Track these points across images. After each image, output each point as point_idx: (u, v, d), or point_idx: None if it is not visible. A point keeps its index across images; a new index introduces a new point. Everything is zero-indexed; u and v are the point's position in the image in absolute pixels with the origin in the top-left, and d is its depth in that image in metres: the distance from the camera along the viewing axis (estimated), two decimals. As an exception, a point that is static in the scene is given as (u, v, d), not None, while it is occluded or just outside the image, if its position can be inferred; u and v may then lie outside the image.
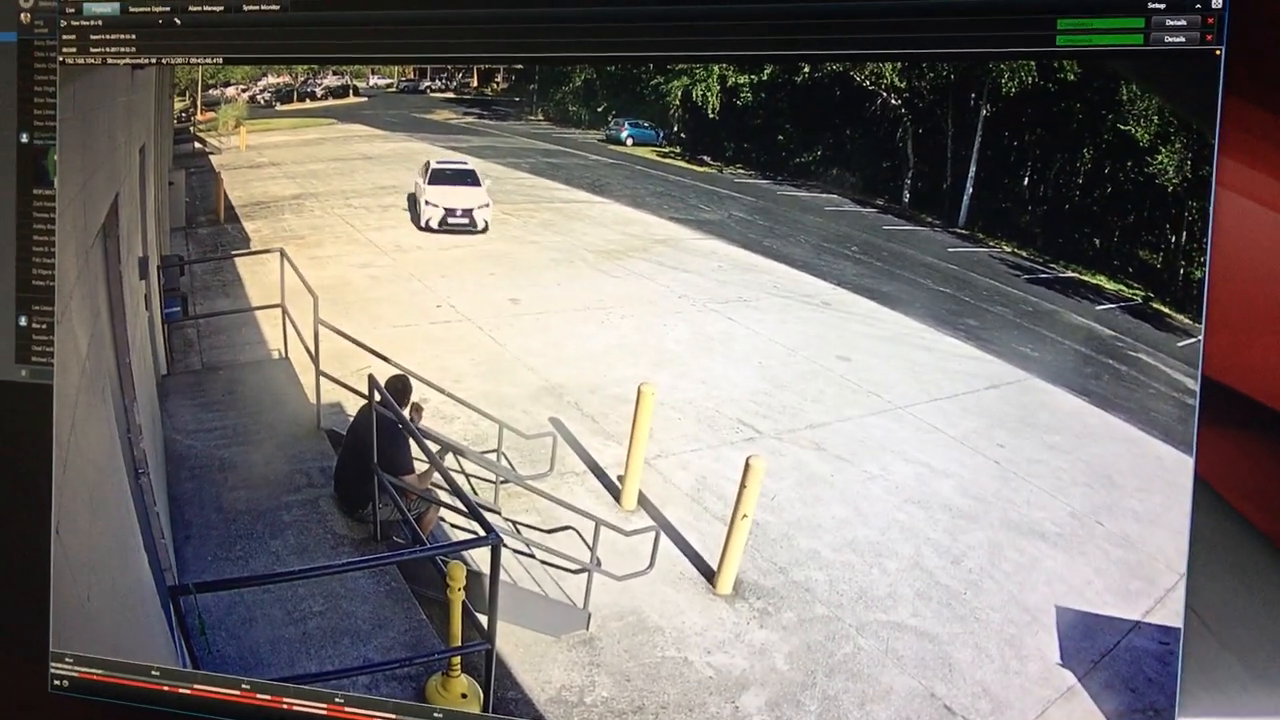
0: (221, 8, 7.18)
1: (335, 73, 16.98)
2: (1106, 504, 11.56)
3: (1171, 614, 9.27)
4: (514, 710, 8.62)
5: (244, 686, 7.41)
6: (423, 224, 14.13)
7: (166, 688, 7.45)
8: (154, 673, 7.42)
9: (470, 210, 14.24)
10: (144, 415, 9.15)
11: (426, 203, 14.31)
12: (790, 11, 6.20)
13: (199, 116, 15.65)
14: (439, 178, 14.60)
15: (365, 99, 17.01)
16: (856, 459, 12.10)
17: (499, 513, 11.18)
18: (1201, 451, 6.27)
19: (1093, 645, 9.88)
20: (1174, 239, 10.80)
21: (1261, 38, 5.70)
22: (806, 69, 12.90)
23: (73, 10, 7.44)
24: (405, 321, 13.35)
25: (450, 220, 14.18)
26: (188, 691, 7.43)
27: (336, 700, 7.35)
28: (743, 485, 10.30)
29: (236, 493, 9.98)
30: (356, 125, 16.59)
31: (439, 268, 14.23)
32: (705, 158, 15.68)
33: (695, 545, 11.01)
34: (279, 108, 16.50)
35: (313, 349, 11.36)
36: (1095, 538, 11.03)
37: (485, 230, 14.18)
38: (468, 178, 14.54)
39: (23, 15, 7.53)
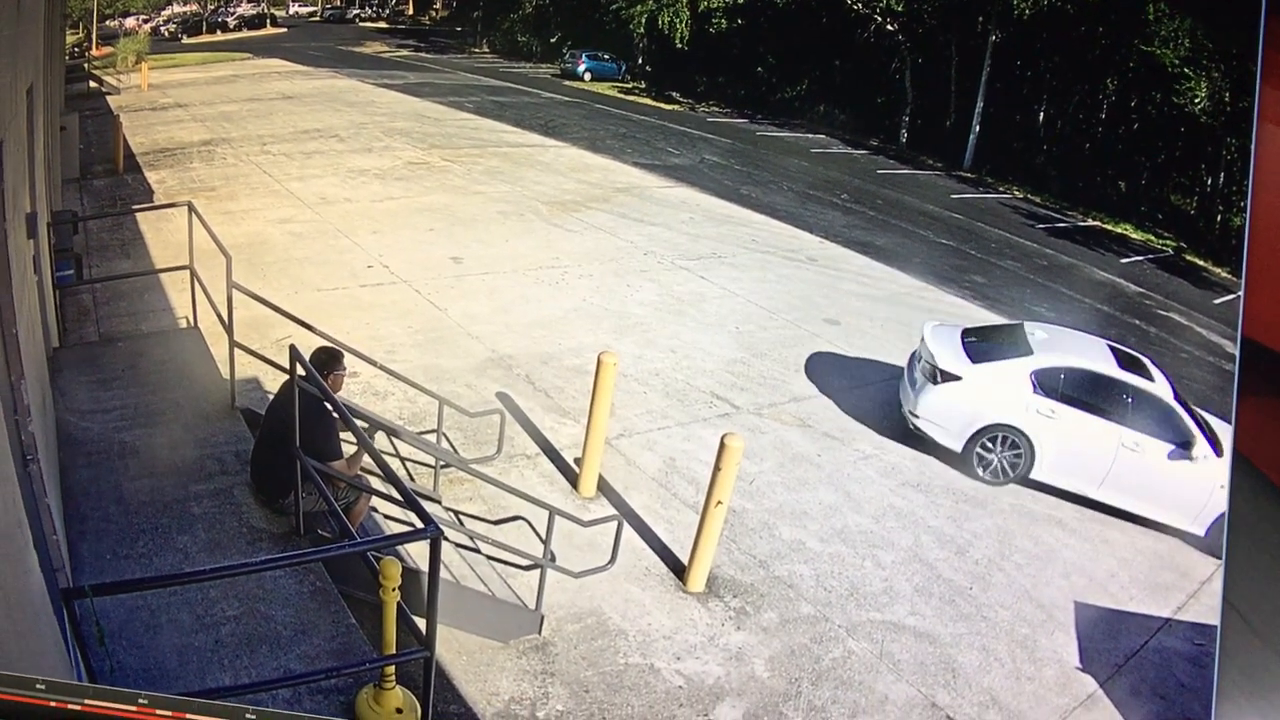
0: (113, -76, 7.08)
1: (250, 0, 16.97)
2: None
3: (1207, 610, 9.40)
4: (456, 727, 8.65)
5: (141, 701, 7.36)
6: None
7: (54, 703, 7.40)
8: (39, 686, 7.38)
9: None
10: (33, 394, 9.05)
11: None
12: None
13: (94, 52, 15.63)
14: None
15: (284, 30, 17.01)
16: (847, 437, 12.17)
17: (439, 501, 11.18)
18: (1241, 424, 6.23)
19: (1117, 646, 9.95)
20: (1209, 181, 10.86)
21: (1312, -52, 5.69)
22: (790, -10, 12.94)
23: (-59, -71, 7.34)
24: (332, 284, 13.34)
25: None
26: (78, 707, 7.38)
27: (248, 717, 7.34)
28: (717, 468, 10.23)
29: (139, 481, 9.90)
30: (275, 60, 16.55)
31: (370, 222, 14.21)
32: (674, 94, 15.71)
33: (663, 536, 11.05)
34: (186, 41, 16.49)
35: (226, 317, 11.27)
36: (1120, 524, 11.11)
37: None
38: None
39: (-117, -65, 7.43)
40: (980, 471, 11.48)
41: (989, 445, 11.41)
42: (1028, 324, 11.97)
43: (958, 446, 11.56)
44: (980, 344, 11.87)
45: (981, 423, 11.35)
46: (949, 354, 11.72)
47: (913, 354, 12.17)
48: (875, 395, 12.60)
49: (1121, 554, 10.57)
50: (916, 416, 11.85)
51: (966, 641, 9.98)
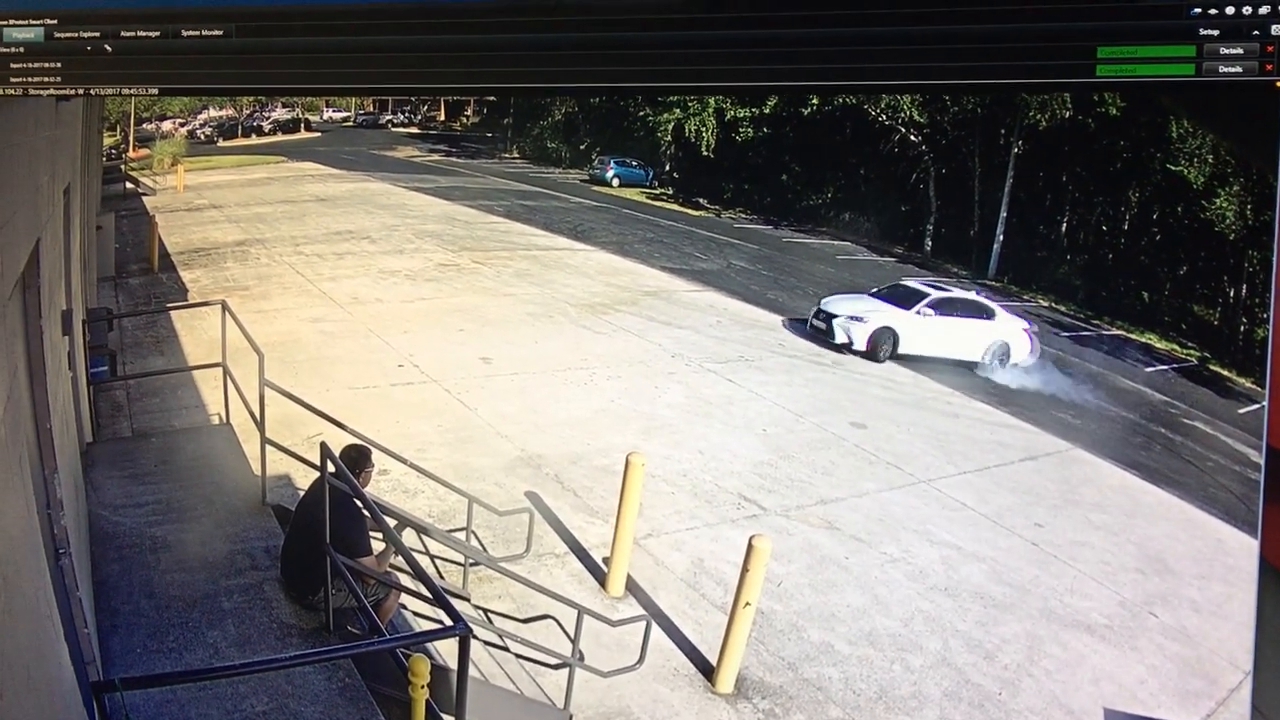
0: (158, 33, 7.01)
1: (285, 105, 17.07)
2: (1161, 592, 11.51)
3: (1236, 718, 9.23)
4: (484, 827, 8.50)
5: (172, 798, 7.24)
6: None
7: (83, 798, 7.27)
8: (69, 781, 7.25)
9: None
10: (66, 488, 9.00)
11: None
12: (799, 39, 6.09)
13: (131, 154, 15.72)
14: None
15: (318, 134, 17.11)
16: (874, 540, 12.06)
17: (468, 599, 11.10)
18: (1268, 532, 6.13)
19: (1146, 754, 9.81)
20: (1233, 292, 10.80)
21: (1329, 67, 5.62)
22: (815, 101, 12.96)
23: (-10, 34, 7.31)
24: (363, 383, 13.32)
25: None
26: (107, 804, 7.25)
27: (279, 814, 7.21)
28: (745, 569, 10.19)
29: (170, 576, 9.85)
30: (308, 163, 16.65)
31: (401, 322, 14.22)
32: (701, 200, 15.75)
33: (691, 637, 10.94)
34: (221, 144, 16.58)
35: (257, 414, 11.29)
36: (1148, 630, 10.97)
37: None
38: None
39: (-68, 39, 7.40)
40: None
41: None
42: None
43: None
44: None
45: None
46: None
47: None
48: (902, 499, 12.49)
49: (1150, 660, 10.41)
50: None
51: (995, 748, 9.83)
